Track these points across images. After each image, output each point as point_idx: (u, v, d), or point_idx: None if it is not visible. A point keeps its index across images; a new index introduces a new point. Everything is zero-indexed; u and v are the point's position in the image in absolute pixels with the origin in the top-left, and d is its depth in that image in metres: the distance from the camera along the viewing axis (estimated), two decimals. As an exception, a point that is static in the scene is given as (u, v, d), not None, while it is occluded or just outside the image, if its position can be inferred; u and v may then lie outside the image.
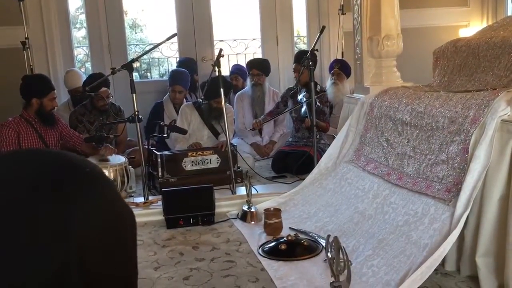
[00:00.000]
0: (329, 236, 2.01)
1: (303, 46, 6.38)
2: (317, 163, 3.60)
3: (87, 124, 4.39)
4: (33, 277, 0.47)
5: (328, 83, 4.76)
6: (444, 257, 2.29)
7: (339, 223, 2.90)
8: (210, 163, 4.02)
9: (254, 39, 6.14)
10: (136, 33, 7.61)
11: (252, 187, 3.35)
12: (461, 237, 2.31)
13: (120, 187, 3.71)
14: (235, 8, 6.28)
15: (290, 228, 3.03)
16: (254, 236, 3.00)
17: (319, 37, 3.87)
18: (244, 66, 5.56)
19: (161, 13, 6.20)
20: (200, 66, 5.77)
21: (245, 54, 6.16)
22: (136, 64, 3.79)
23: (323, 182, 3.41)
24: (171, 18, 5.80)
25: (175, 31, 5.42)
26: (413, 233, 2.38)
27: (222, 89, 3.77)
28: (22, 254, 0.47)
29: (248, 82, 5.24)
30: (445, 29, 5.81)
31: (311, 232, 2.91)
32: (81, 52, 6.28)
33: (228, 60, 6.05)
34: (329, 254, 1.95)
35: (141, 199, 3.60)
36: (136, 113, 3.54)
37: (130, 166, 3.87)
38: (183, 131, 4.13)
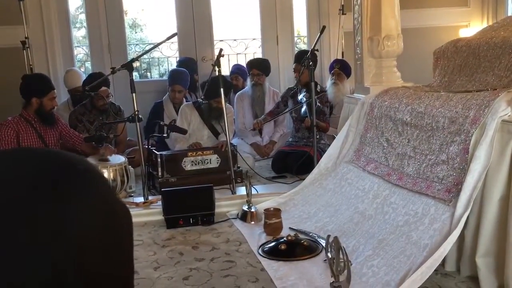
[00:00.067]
0: (329, 236, 2.00)
1: (303, 46, 6.38)
2: (317, 163, 3.60)
3: (86, 123, 4.38)
4: (33, 277, 0.46)
5: (328, 83, 4.76)
6: (444, 258, 2.29)
7: (339, 223, 2.90)
8: (210, 163, 4.02)
9: (254, 39, 6.14)
10: (136, 32, 7.61)
11: (252, 187, 3.35)
12: (461, 237, 2.31)
13: (120, 187, 3.71)
14: (235, 8, 6.28)
15: (290, 228, 3.02)
16: (254, 236, 3.00)
17: (319, 37, 3.87)
18: (244, 66, 5.56)
19: (161, 13, 6.20)
20: (200, 66, 5.77)
21: (245, 54, 6.16)
22: (136, 64, 3.80)
23: (323, 182, 3.41)
24: (171, 18, 5.80)
25: (175, 30, 5.41)
26: (413, 233, 2.38)
27: (222, 89, 3.77)
28: (22, 253, 0.46)
29: (248, 82, 5.24)
30: (445, 29, 5.81)
31: (311, 232, 2.91)
32: (81, 52, 6.28)
33: (228, 60, 6.05)
34: (329, 254, 1.95)
35: (141, 199, 3.59)
36: (136, 112, 3.54)
37: (130, 166, 3.87)
38: (183, 131, 4.13)
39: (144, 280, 2.49)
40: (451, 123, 2.49)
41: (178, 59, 5.82)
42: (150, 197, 3.58)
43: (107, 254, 0.52)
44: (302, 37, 6.62)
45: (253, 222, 3.22)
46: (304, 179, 3.60)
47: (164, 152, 4.05)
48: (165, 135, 4.09)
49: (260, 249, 2.77)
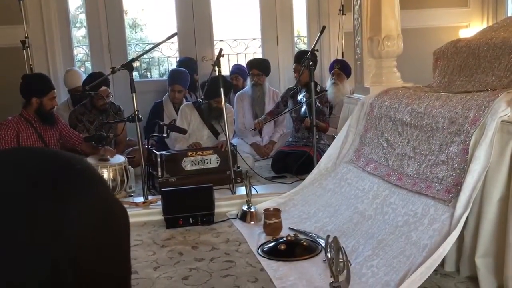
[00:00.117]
0: (328, 236, 2.01)
1: (303, 46, 6.38)
2: (317, 163, 3.60)
3: (86, 123, 4.38)
4: (33, 277, 0.47)
5: (328, 83, 4.76)
6: (444, 258, 2.29)
7: (338, 223, 2.90)
8: (210, 163, 4.02)
9: (254, 39, 6.14)
10: (136, 32, 7.61)
11: (251, 187, 3.35)
12: (461, 237, 2.31)
13: (119, 187, 3.71)
14: (235, 8, 6.28)
15: (289, 228, 3.03)
16: (254, 236, 3.00)
17: (319, 37, 3.87)
18: (245, 66, 5.56)
19: (161, 13, 6.20)
20: (200, 66, 5.77)
21: (245, 54, 6.16)
22: (136, 64, 3.80)
23: (322, 183, 3.41)
24: (171, 18, 5.80)
25: (175, 30, 5.41)
26: (412, 233, 2.38)
27: (222, 89, 3.77)
28: (22, 253, 0.47)
29: (248, 82, 5.24)
30: (445, 29, 5.80)
31: (310, 232, 2.91)
32: (81, 52, 6.28)
33: (228, 60, 6.05)
34: (328, 255, 1.95)
35: (140, 199, 3.59)
36: (136, 112, 3.54)
37: (130, 166, 3.87)
38: (183, 131, 4.13)
39: (144, 280, 2.49)
40: (450, 124, 2.49)
41: (178, 59, 5.82)
42: (149, 197, 3.58)
43: (105, 253, 0.53)
44: (302, 37, 6.62)
45: (252, 222, 3.22)
46: (303, 179, 3.60)
47: (164, 152, 4.05)
48: (165, 135, 4.09)
49: (259, 249, 2.78)
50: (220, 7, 5.94)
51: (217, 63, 3.73)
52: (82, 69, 6.05)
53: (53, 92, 3.81)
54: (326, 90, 4.63)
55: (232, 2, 6.24)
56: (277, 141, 5.12)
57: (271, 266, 2.56)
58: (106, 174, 3.65)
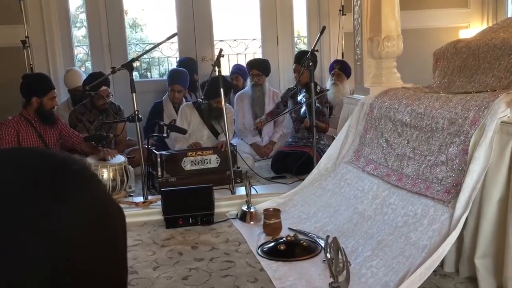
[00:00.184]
0: (328, 236, 2.01)
1: (303, 47, 6.38)
2: (317, 163, 3.60)
3: (86, 123, 4.39)
4: (33, 276, 0.47)
5: (328, 84, 4.76)
6: (443, 258, 2.29)
7: (338, 223, 2.90)
8: (210, 163, 4.02)
9: (254, 39, 6.15)
10: (136, 32, 7.61)
11: (251, 187, 3.35)
12: (460, 238, 2.31)
13: (119, 187, 3.71)
14: (236, 8, 6.28)
15: (289, 228, 3.03)
16: (253, 236, 3.00)
17: (319, 37, 3.87)
18: (245, 66, 5.56)
19: (162, 13, 6.21)
20: (200, 66, 5.77)
21: (245, 54, 6.16)
22: (136, 64, 3.79)
23: (322, 183, 3.41)
24: (172, 18, 5.80)
25: (175, 30, 5.41)
26: (412, 234, 2.38)
27: (222, 89, 3.77)
28: (22, 252, 0.47)
29: (248, 82, 5.25)
30: (445, 30, 5.81)
31: (310, 233, 2.91)
32: (81, 51, 6.28)
33: (228, 60, 6.06)
34: (328, 255, 1.95)
35: (140, 199, 3.59)
36: (136, 112, 3.54)
37: (130, 166, 3.87)
38: (182, 131, 4.13)
39: (143, 280, 2.49)
40: (450, 124, 2.50)
41: (178, 59, 5.83)
42: (149, 197, 3.58)
43: (102, 253, 0.53)
44: (302, 38, 6.62)
45: (252, 222, 3.23)
46: (303, 180, 3.60)
47: (163, 152, 4.05)
48: (165, 135, 4.09)
49: (259, 249, 2.78)
50: (220, 7, 5.94)
51: (217, 63, 3.73)
52: (82, 69, 6.05)
53: (53, 92, 3.81)
54: (328, 90, 4.63)
55: (232, 2, 6.24)
56: (277, 141, 5.12)
57: (270, 266, 2.56)
58: (106, 174, 3.65)
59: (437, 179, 2.49)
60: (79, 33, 6.84)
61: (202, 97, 4.46)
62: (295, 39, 6.28)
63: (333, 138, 3.77)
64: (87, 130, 4.32)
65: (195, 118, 4.49)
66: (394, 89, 3.32)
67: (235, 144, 4.31)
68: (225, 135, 3.82)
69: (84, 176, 0.55)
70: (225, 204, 3.51)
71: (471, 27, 5.97)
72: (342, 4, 5.33)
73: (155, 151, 4.01)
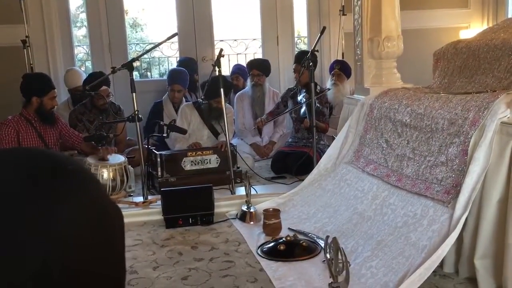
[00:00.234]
0: (328, 237, 2.01)
1: (304, 47, 6.38)
2: (317, 164, 3.60)
3: (86, 123, 4.39)
4: (33, 276, 0.47)
5: (328, 84, 4.76)
6: (443, 259, 2.29)
7: (338, 224, 2.90)
8: (210, 163, 4.03)
9: (254, 39, 6.15)
10: (136, 32, 7.61)
11: (251, 188, 3.35)
12: (460, 239, 2.31)
13: (119, 186, 3.71)
14: (236, 8, 6.28)
15: (289, 228, 3.03)
16: (253, 237, 3.00)
17: (319, 37, 3.87)
18: (245, 66, 5.56)
19: (162, 13, 6.21)
20: (201, 66, 5.77)
21: (245, 54, 6.17)
22: (136, 63, 3.79)
23: (322, 183, 3.41)
24: (172, 18, 5.81)
25: (175, 30, 5.42)
26: (412, 234, 2.38)
27: (222, 89, 3.77)
28: (22, 252, 0.47)
29: (248, 82, 5.25)
30: (445, 30, 5.81)
31: (310, 233, 2.91)
32: (81, 51, 6.29)
33: (229, 60, 6.06)
34: (327, 255, 1.95)
35: (140, 199, 3.59)
36: (136, 112, 3.54)
37: (130, 166, 3.87)
38: (182, 131, 4.13)
39: (143, 280, 2.50)
40: (450, 125, 2.50)
41: (178, 59, 5.83)
42: (149, 197, 3.58)
43: (99, 254, 0.53)
44: (303, 38, 6.62)
45: (252, 223, 3.23)
46: (303, 180, 3.60)
47: (163, 152, 4.05)
48: (165, 135, 4.09)
49: (259, 249, 2.78)
50: (220, 7, 5.94)
51: (218, 63, 3.73)
52: (83, 69, 6.05)
53: (53, 91, 3.81)
54: (329, 89, 4.63)
55: (232, 2, 6.24)
56: (277, 141, 5.12)
57: (270, 266, 2.56)
58: (106, 173, 3.65)
59: (436, 179, 2.49)
60: (80, 32, 6.84)
61: (202, 97, 4.46)
62: (295, 39, 6.28)
63: (333, 138, 3.77)
64: (87, 130, 4.32)
65: (195, 118, 4.50)
66: (394, 89, 3.32)
67: (235, 144, 4.31)
68: (225, 135, 3.82)
69: (84, 176, 0.55)
70: (225, 204, 3.51)
71: (471, 27, 5.97)
72: (343, 4, 5.33)
73: (155, 151, 4.01)
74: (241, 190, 3.64)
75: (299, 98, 4.59)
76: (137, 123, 3.56)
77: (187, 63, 5.44)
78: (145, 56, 5.84)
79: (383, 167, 2.98)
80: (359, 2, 3.79)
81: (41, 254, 0.47)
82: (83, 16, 6.24)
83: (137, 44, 6.83)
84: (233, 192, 3.69)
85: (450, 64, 3.27)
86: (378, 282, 2.24)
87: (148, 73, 6.86)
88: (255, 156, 4.94)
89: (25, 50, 4.69)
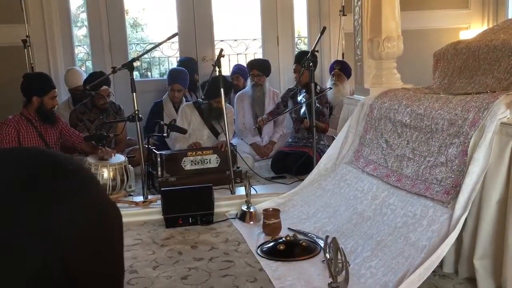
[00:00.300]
0: (327, 237, 2.01)
1: (304, 47, 6.38)
2: (317, 164, 3.61)
3: (87, 122, 4.39)
4: (32, 276, 0.47)
5: (328, 84, 4.76)
6: (442, 259, 2.29)
7: (337, 224, 2.90)
8: (210, 163, 4.03)
9: (254, 39, 6.15)
10: (137, 32, 7.61)
11: (251, 187, 3.35)
12: (459, 239, 2.32)
13: (119, 186, 3.72)
14: (236, 8, 6.28)
15: (288, 228, 3.03)
16: (253, 236, 3.00)
17: (319, 38, 3.87)
18: (245, 66, 5.56)
19: (162, 13, 6.21)
20: (201, 66, 5.77)
21: (245, 54, 6.17)
22: (136, 63, 3.79)
23: (322, 183, 3.41)
24: (172, 18, 5.81)
25: (176, 30, 5.42)
26: (411, 234, 2.38)
27: (222, 89, 3.78)
28: (22, 252, 0.47)
29: (249, 82, 5.25)
30: (445, 31, 5.81)
31: (309, 233, 2.91)
32: (82, 51, 6.29)
33: (229, 60, 6.06)
34: (327, 255, 1.95)
35: (140, 198, 3.60)
36: (136, 112, 3.54)
37: (130, 165, 3.88)
38: (183, 131, 4.13)
39: (143, 279, 2.50)
40: (450, 125, 2.50)
41: (178, 59, 5.83)
42: (149, 197, 3.58)
43: (98, 253, 0.53)
44: (303, 38, 6.62)
45: (252, 222, 3.23)
46: (303, 180, 3.60)
47: (163, 152, 4.05)
48: (165, 134, 4.09)
49: (258, 249, 2.78)
50: (221, 8, 5.94)
51: (218, 63, 3.74)
52: (83, 68, 6.05)
53: (54, 91, 3.81)
54: (331, 88, 4.62)
55: (232, 3, 6.24)
56: (277, 141, 5.12)
57: (270, 266, 2.56)
58: (106, 173, 3.66)
59: (436, 180, 2.49)
60: (80, 32, 6.84)
61: (203, 97, 4.46)
62: (296, 39, 6.28)
63: (333, 139, 3.77)
64: (88, 130, 4.32)
65: (195, 118, 4.50)
66: (394, 90, 3.33)
67: (235, 144, 4.31)
68: (225, 135, 3.82)
69: (84, 176, 0.56)
70: (225, 204, 3.51)
71: (471, 28, 5.97)
72: (343, 4, 5.33)
73: (155, 151, 4.01)
74: (241, 190, 3.65)
75: (299, 98, 4.59)
76: (137, 122, 3.56)
77: (187, 63, 5.44)
78: (146, 56, 5.84)
79: (383, 167, 2.98)
80: (359, 3, 3.79)
81: (41, 254, 0.47)
82: (84, 15, 6.24)
83: (138, 44, 6.83)
84: (233, 192, 3.70)
85: (450, 64, 3.27)
86: (377, 282, 2.24)
87: (149, 73, 6.86)
88: (255, 156, 4.94)
89: (25, 49, 4.69)
